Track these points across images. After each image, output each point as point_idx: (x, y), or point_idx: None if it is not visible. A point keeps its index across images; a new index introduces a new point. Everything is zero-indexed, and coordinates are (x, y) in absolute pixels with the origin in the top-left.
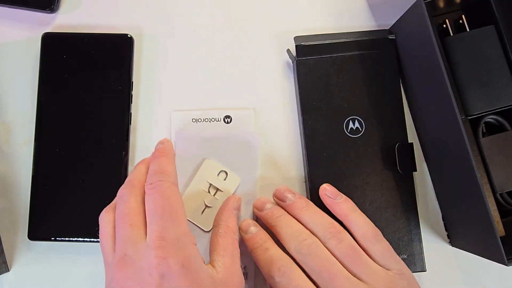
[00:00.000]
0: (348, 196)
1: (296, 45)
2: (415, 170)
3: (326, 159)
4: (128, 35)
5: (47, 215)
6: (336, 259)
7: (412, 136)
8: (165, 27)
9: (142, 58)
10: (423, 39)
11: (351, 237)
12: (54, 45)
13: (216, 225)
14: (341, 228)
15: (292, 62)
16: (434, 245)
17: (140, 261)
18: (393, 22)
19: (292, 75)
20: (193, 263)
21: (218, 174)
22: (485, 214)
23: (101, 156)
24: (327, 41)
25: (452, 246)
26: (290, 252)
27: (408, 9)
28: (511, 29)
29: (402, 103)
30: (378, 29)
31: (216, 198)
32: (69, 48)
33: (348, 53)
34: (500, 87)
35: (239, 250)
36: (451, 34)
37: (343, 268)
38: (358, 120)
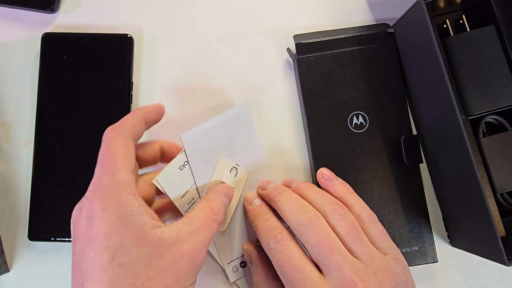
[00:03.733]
0: (356, 191)
1: (296, 44)
2: (422, 162)
3: (332, 156)
4: (128, 35)
5: (47, 215)
6: (337, 235)
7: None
8: (165, 27)
9: (142, 58)
10: (423, 39)
11: (353, 216)
12: (54, 45)
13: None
14: (344, 206)
15: (293, 61)
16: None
17: (79, 204)
18: (394, 22)
19: (293, 74)
20: (123, 211)
21: (230, 171)
22: (486, 214)
23: None
24: (327, 38)
25: (452, 246)
26: (290, 225)
27: (408, 9)
28: (511, 29)
29: (405, 95)
30: (376, 23)
31: None
32: (69, 48)
33: (348, 49)
34: (500, 87)
35: (212, 232)
36: (452, 34)
37: (342, 245)
38: (362, 115)
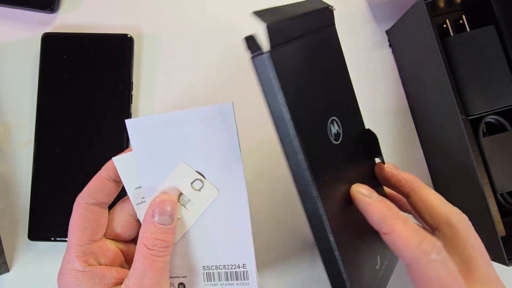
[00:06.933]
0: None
1: (267, 25)
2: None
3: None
4: (128, 35)
5: (47, 215)
6: None
7: (412, 136)
8: (165, 27)
9: (142, 58)
10: (423, 39)
11: None
12: (54, 45)
13: None
14: None
15: (255, 56)
16: None
17: None
18: (393, 23)
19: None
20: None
21: (192, 183)
22: (486, 214)
23: (101, 156)
24: (298, 13)
25: None
26: (442, 219)
27: (408, 9)
28: (511, 29)
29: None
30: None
31: (186, 209)
32: (69, 48)
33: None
34: (500, 87)
35: (156, 268)
36: (452, 34)
37: None
38: (335, 121)
